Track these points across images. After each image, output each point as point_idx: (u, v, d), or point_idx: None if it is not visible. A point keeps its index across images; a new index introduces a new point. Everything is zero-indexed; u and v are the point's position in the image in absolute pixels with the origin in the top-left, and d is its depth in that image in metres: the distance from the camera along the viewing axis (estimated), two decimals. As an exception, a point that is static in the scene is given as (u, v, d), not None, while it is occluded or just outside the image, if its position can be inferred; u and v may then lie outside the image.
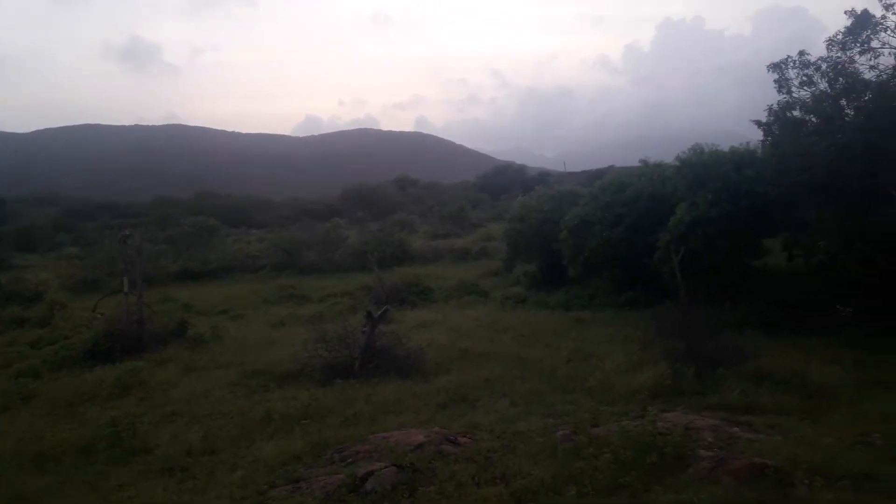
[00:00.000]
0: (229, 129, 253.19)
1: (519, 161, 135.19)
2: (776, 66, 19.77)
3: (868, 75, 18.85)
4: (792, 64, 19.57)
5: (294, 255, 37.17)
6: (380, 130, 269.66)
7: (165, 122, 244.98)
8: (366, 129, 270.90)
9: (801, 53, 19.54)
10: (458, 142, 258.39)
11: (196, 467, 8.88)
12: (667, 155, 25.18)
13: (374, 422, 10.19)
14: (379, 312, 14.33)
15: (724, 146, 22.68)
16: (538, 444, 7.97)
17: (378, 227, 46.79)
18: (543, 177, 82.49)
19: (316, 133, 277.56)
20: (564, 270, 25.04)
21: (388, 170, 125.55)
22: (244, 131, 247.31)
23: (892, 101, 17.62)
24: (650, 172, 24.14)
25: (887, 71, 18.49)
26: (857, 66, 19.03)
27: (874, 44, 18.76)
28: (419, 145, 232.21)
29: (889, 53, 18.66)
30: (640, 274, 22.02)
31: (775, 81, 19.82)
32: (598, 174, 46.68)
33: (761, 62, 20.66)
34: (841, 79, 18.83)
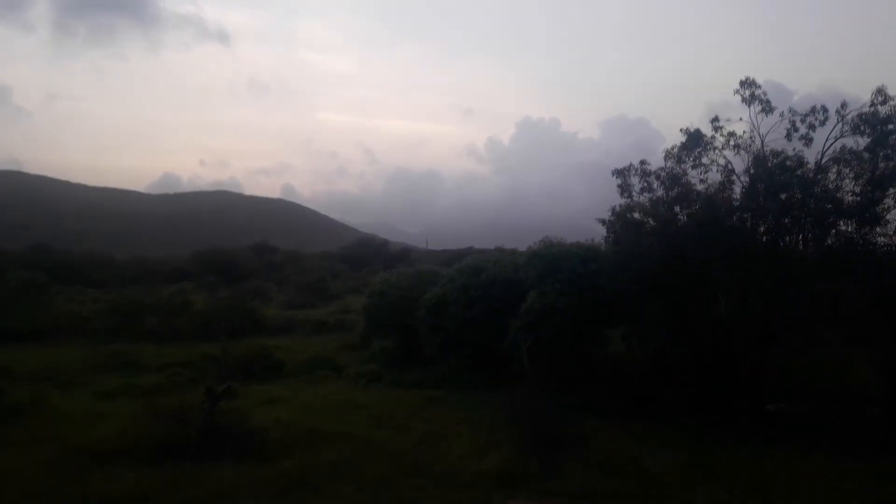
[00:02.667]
0: (75, 180, 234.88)
1: (383, 235, 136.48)
2: (620, 173, 21.55)
3: (699, 187, 20.98)
4: (634, 171, 21.42)
5: (133, 319, 34.53)
6: (241, 194, 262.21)
7: (4, 169, 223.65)
8: (226, 192, 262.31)
9: (643, 163, 21.47)
10: (323, 212, 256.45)
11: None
12: (524, 241, 26.53)
13: (205, 509, 9.40)
14: (221, 388, 13.49)
15: (574, 239, 24.25)
16: (381, 536, 7.67)
17: (230, 294, 44.79)
18: (406, 253, 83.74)
19: (172, 192, 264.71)
20: (421, 348, 25.11)
21: (248, 235, 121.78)
22: (92, 184, 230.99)
23: (718, 212, 19.71)
24: (504, 259, 25.17)
25: (714, 185, 20.70)
26: (689, 178, 21.13)
27: (704, 160, 20.97)
28: (282, 213, 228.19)
29: (716, 170, 20.93)
30: (493, 355, 22.55)
31: (618, 186, 21.57)
32: (459, 255, 48.00)
33: (610, 164, 22.49)
34: (676, 188, 20.84)
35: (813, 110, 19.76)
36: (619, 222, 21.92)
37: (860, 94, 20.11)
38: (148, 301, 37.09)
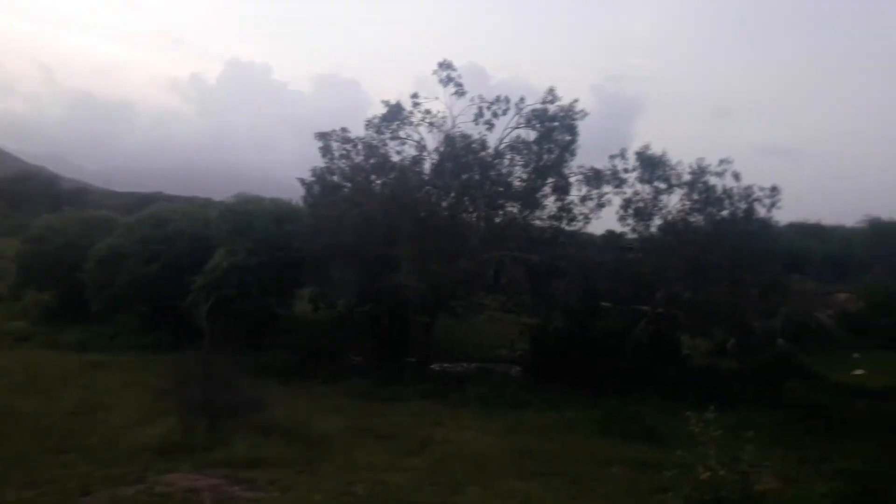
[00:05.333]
0: None
1: (55, 169, 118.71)
2: (322, 136, 21.69)
3: (395, 158, 21.95)
4: (335, 137, 21.71)
5: None
6: None
7: None
8: None
9: (344, 130, 21.88)
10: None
11: None
12: (225, 190, 25.26)
13: None
14: None
15: (279, 194, 23.80)
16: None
17: None
18: (81, 192, 73.78)
19: None
20: (86, 304, 22.48)
21: None
22: None
23: (409, 185, 20.91)
24: (195, 212, 23.71)
25: (408, 159, 21.84)
26: (388, 148, 22.00)
27: (402, 134, 21.96)
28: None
29: (411, 145, 22.07)
30: (172, 314, 21.16)
31: (320, 148, 21.68)
32: (146, 199, 43.85)
33: (320, 120, 22.59)
34: (374, 157, 21.59)
35: (498, 99, 21.68)
36: (319, 184, 22.13)
37: (541, 89, 22.43)
38: None
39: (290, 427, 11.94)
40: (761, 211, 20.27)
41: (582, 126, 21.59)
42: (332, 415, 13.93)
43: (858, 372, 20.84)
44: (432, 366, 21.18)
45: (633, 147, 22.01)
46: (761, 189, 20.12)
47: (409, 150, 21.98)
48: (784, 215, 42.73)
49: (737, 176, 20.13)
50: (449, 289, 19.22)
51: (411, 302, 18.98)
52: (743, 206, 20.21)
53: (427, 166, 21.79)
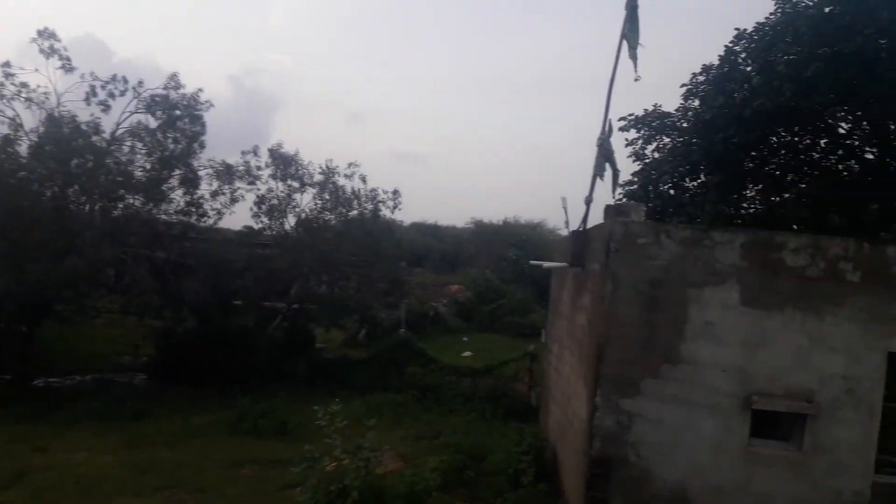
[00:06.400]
0: None
1: None
2: None
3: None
4: None
5: None
6: None
7: None
8: None
9: None
10: None
11: None
12: None
13: None
14: None
15: None
16: None
17: None
18: None
19: None
20: None
21: None
22: None
23: (2, 168, 17.45)
24: None
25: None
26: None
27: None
28: None
29: (3, 122, 18.48)
30: None
31: None
32: None
33: None
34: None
35: (114, 79, 19.47)
36: None
37: (172, 71, 20.77)
38: None
39: None
40: (386, 212, 22.06)
41: (221, 118, 20.90)
42: None
43: (466, 354, 23.98)
44: (35, 382, 18.14)
45: (272, 144, 22.00)
46: (385, 192, 21.88)
47: (1, 129, 18.47)
48: (408, 216, 47.61)
49: (364, 178, 21.64)
50: (54, 291, 16.55)
51: (3, 307, 15.94)
52: (370, 206, 21.68)
53: (25, 149, 18.53)
